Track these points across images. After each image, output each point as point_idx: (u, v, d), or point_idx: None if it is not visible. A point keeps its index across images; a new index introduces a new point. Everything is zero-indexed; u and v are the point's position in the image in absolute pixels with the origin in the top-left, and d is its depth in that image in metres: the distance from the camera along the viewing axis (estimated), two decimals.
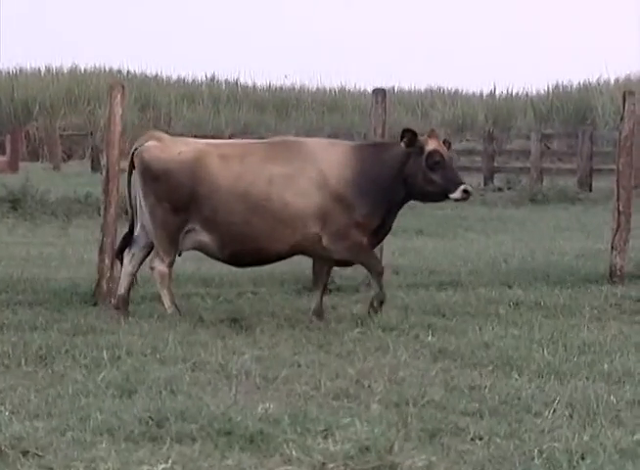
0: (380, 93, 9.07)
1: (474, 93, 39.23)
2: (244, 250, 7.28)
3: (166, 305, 7.33)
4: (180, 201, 7.23)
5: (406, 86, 41.20)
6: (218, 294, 8.34)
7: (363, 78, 65.42)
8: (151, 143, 7.40)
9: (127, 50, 62.63)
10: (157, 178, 7.29)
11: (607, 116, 33.14)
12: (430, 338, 6.68)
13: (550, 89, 36.91)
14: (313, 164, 7.27)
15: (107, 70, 40.15)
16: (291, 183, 7.21)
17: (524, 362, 5.97)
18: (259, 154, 7.33)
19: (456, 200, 7.37)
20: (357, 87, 40.63)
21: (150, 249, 7.41)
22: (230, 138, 29.46)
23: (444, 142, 7.50)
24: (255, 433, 4.53)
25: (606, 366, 5.84)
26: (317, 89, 40.77)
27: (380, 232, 7.43)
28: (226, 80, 40.71)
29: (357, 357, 6.17)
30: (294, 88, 40.71)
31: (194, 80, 40.91)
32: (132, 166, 7.44)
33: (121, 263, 7.51)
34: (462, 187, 7.27)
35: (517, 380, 5.62)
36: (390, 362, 6.01)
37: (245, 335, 6.86)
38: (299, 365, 5.96)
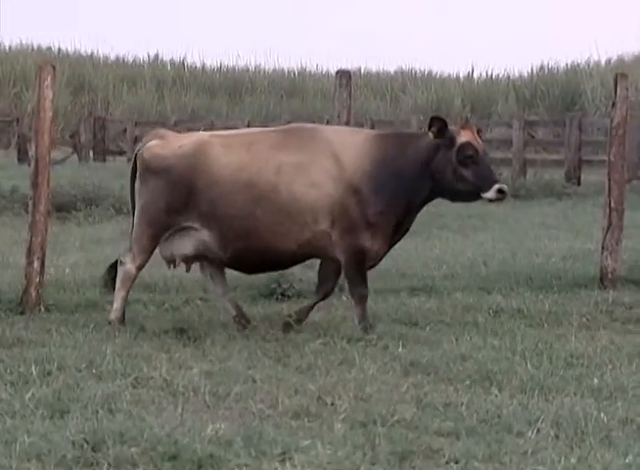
0: (344, 75, 9.10)
1: (449, 75, 39.43)
2: (247, 248, 7.28)
3: (114, 308, 7.37)
4: (177, 198, 7.30)
5: (374, 68, 41.33)
6: (163, 301, 8.33)
7: (326, 59, 65.61)
8: (153, 142, 7.52)
9: (58, 25, 62.26)
10: (156, 175, 7.38)
11: (597, 101, 33.43)
12: (400, 349, 6.71)
13: (534, 72, 37.17)
14: (328, 152, 7.27)
15: (35, 48, 39.91)
16: (301, 173, 7.22)
17: (504, 377, 6.01)
18: (268, 142, 7.36)
19: (490, 200, 7.27)
20: (319, 69, 40.71)
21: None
22: (175, 125, 29.43)
23: (478, 133, 7.40)
24: (204, 457, 4.53)
25: (595, 381, 5.90)
26: (274, 71, 40.77)
27: (396, 233, 7.38)
28: (171, 61, 40.62)
29: (319, 372, 6.18)
30: (247, 70, 40.69)
31: (134, 61, 40.78)
32: (135, 169, 7.53)
33: (113, 288, 7.50)
34: (497, 186, 7.20)
35: (497, 396, 5.66)
36: (356, 377, 6.03)
37: (193, 347, 6.85)
38: (254, 381, 5.97)
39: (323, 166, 7.23)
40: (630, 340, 7.13)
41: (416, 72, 39.98)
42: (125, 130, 30.06)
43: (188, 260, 7.48)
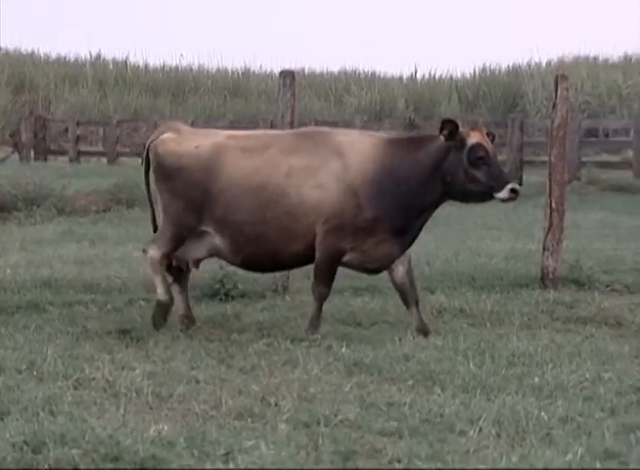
0: (288, 75, 9.09)
1: (393, 76, 39.58)
2: (258, 252, 7.29)
3: (158, 293, 7.35)
4: (195, 199, 7.28)
5: (318, 68, 41.39)
6: (105, 301, 8.27)
7: (269, 59, 65.48)
8: (167, 135, 7.46)
9: None
10: (171, 174, 7.35)
11: (538, 102, 33.76)
12: (344, 349, 6.72)
13: (477, 73, 37.46)
14: (336, 155, 7.27)
15: None
16: (309, 176, 7.22)
17: (447, 376, 6.05)
18: (281, 145, 7.33)
19: (502, 200, 7.26)
20: (263, 69, 40.66)
21: None
22: (118, 125, 29.26)
23: (488, 135, 7.42)
24: (147, 458, 4.51)
25: (536, 380, 5.95)
26: (218, 71, 40.65)
27: (406, 237, 7.36)
28: (114, 60, 40.32)
29: (263, 372, 6.18)
30: (191, 69, 40.53)
31: (77, 59, 40.42)
32: (148, 161, 7.49)
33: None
34: (509, 186, 7.20)
35: (439, 396, 5.69)
36: (300, 377, 6.03)
37: (135, 348, 6.81)
38: (198, 381, 5.95)
39: (330, 168, 7.25)
40: (571, 339, 7.20)
41: (360, 73, 40.09)
42: (67, 130, 29.81)
43: (197, 262, 7.51)
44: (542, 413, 5.27)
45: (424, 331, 7.30)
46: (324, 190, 7.23)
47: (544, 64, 36.37)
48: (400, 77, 39.23)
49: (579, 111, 31.58)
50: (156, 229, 7.56)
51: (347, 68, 40.53)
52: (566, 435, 5.01)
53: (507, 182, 7.25)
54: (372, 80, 39.14)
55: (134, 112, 35.73)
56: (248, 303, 8.36)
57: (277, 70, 9.52)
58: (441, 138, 7.32)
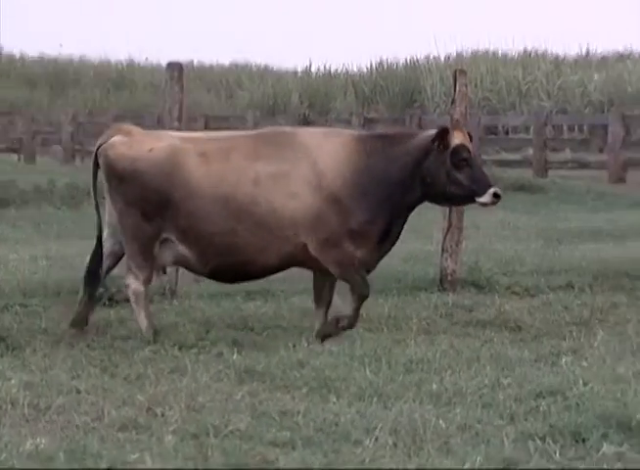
0: (176, 68, 9.05)
1: (287, 70, 39.68)
2: (227, 263, 7.18)
3: (142, 329, 7.21)
4: (151, 208, 7.13)
5: (207, 60, 41.27)
6: None
7: (156, 50, 64.97)
8: (117, 138, 7.27)
9: None
10: (124, 179, 7.16)
11: (437, 97, 34.17)
12: (235, 356, 6.72)
13: (373, 67, 37.74)
14: (305, 158, 7.16)
15: None
16: (280, 183, 7.10)
17: (342, 383, 6.08)
18: (244, 150, 7.20)
19: (484, 204, 7.23)
20: (149, 61, 40.39)
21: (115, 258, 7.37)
22: None
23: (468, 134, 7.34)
24: None
25: (434, 386, 6.02)
26: (100, 62, 40.26)
27: (386, 241, 7.31)
28: None
29: (149, 381, 6.14)
30: (71, 61, 40.06)
31: None
32: (97, 166, 7.30)
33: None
34: (492, 190, 7.16)
35: (334, 404, 5.72)
36: (188, 386, 6.00)
37: (11, 356, 6.71)
38: (79, 391, 5.89)
39: (301, 175, 7.13)
40: (470, 344, 7.30)
41: (252, 66, 40.10)
42: None
43: (165, 270, 7.41)
44: (440, 421, 5.33)
45: (324, 335, 7.33)
46: (299, 200, 7.12)
47: (443, 58, 36.84)
48: (294, 71, 39.36)
49: (479, 107, 32.08)
50: (100, 237, 7.38)
51: (239, 60, 40.52)
52: (464, 443, 5.08)
53: (490, 186, 7.21)
54: (265, 74, 39.20)
55: (10, 105, 35.15)
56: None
57: (164, 62, 9.47)
58: (434, 145, 7.21)
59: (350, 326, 7.33)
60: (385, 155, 7.27)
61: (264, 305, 8.54)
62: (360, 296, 7.29)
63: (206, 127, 24.71)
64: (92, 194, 7.48)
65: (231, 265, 7.24)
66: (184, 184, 7.13)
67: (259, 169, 7.14)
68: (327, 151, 7.22)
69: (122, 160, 7.19)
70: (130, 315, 8.03)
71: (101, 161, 7.28)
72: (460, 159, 7.22)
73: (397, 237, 7.40)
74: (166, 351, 6.87)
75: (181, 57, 34.04)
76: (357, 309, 7.32)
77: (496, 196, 7.20)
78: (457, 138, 7.26)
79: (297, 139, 7.27)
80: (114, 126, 7.57)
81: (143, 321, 7.24)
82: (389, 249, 7.42)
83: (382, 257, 7.41)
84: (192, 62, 38.99)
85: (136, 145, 7.24)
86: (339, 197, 7.16)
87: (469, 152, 7.26)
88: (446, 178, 7.23)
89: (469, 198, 7.30)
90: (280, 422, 5.37)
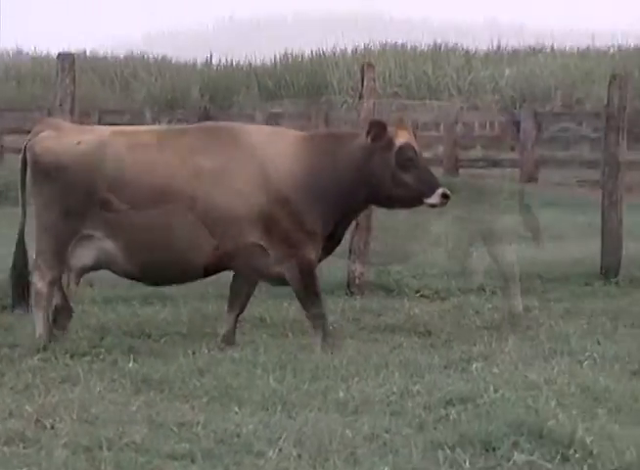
0: (67, 59, 8.97)
1: (186, 62, 39.46)
2: (157, 261, 7.10)
3: (37, 331, 7.11)
4: (76, 203, 7.06)
5: (101, 51, 40.88)
6: None
7: (44, 40, 64.21)
8: (45, 133, 7.25)
9: None
10: (49, 174, 7.11)
11: (344, 92, 34.28)
12: (131, 364, 6.67)
13: (277, 60, 37.74)
14: (252, 156, 7.10)
15: None
16: (221, 180, 7.04)
17: (245, 392, 6.08)
18: (180, 143, 7.15)
19: (432, 206, 7.22)
20: (37, 50, 39.90)
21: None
22: None
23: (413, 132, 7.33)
24: None
25: (341, 394, 6.04)
26: None
27: (329, 244, 7.28)
28: None
29: (37, 391, 6.07)
30: None
31: None
32: (25, 163, 7.23)
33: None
34: (440, 191, 7.17)
35: (236, 414, 5.71)
36: (80, 396, 5.95)
37: None
38: None
39: (248, 174, 7.10)
40: (378, 349, 7.34)
41: (149, 57, 39.83)
42: None
43: (84, 272, 7.28)
44: (347, 431, 5.34)
45: (230, 341, 7.32)
46: (246, 201, 7.09)
47: (350, 51, 36.99)
48: (194, 63, 39.18)
49: (387, 103, 32.25)
50: (22, 239, 7.33)
51: (135, 51, 40.22)
52: (371, 453, 5.10)
53: (437, 186, 7.23)
54: (162, 66, 38.93)
55: None
56: (21, 313, 8.16)
57: (54, 53, 9.38)
58: (368, 141, 7.22)
59: (332, 346, 7.24)
60: (330, 155, 7.28)
61: (162, 309, 8.50)
62: (315, 317, 7.26)
63: (100, 122, 24.49)
64: (19, 192, 7.42)
65: (163, 263, 7.19)
66: (115, 177, 7.11)
67: (198, 164, 7.13)
68: (277, 150, 7.23)
69: (48, 154, 7.21)
70: (18, 322, 7.93)
71: (28, 156, 7.29)
72: (406, 159, 7.24)
73: (340, 241, 7.45)
74: (57, 359, 6.81)
75: (72, 47, 33.71)
76: (323, 332, 7.25)
77: (445, 196, 7.24)
78: (402, 137, 7.28)
79: (241, 136, 7.27)
80: (43, 121, 7.62)
81: (39, 325, 7.18)
82: (331, 252, 7.45)
83: (321, 260, 7.43)
84: (84, 52, 38.61)
85: (64, 139, 7.26)
86: (288, 199, 7.16)
87: (415, 152, 7.28)
88: (392, 180, 7.24)
89: (416, 199, 7.31)
90: (178, 433, 5.34)
